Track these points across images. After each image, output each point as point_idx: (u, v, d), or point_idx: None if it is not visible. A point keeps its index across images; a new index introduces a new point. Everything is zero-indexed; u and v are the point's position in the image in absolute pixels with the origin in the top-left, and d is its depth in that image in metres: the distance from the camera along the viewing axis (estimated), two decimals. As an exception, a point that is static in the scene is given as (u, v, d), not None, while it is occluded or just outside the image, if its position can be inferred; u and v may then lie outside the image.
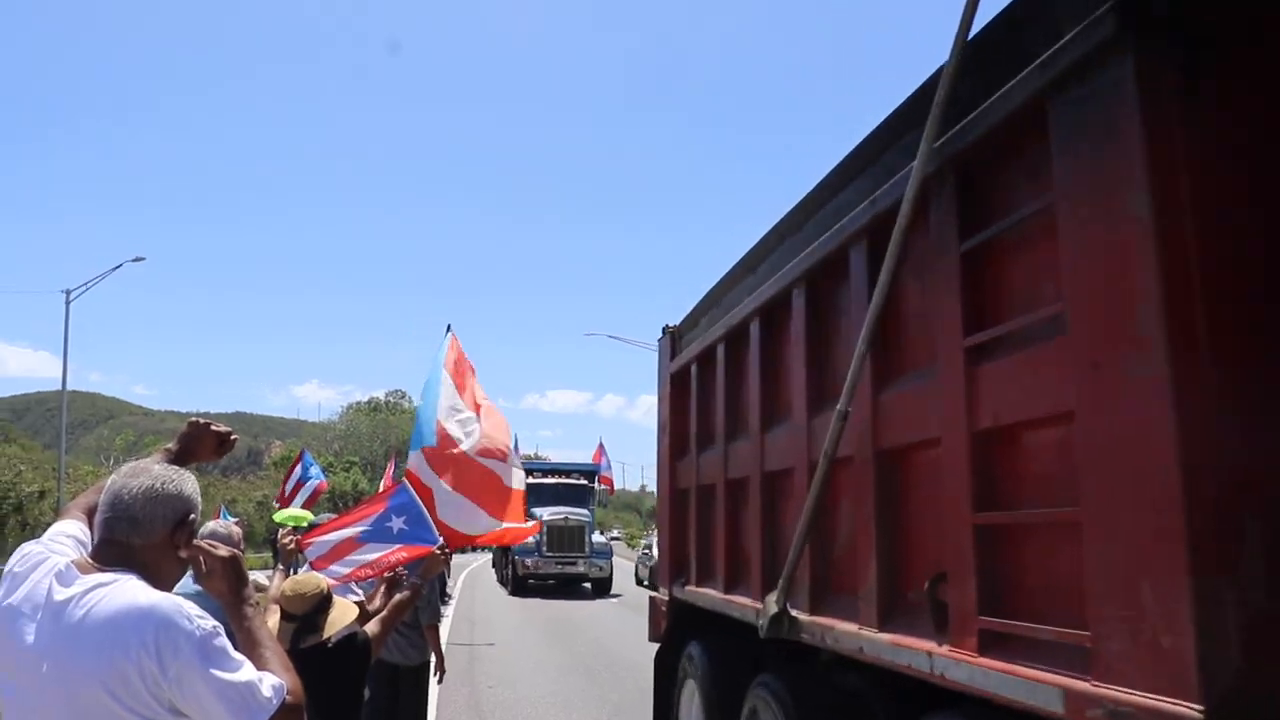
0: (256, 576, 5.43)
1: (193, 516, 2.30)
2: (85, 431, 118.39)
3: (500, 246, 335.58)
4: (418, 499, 5.29)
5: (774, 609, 4.20)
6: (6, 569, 2.23)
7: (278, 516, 14.17)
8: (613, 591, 28.62)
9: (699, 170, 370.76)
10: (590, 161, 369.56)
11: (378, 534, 5.06)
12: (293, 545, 5.02)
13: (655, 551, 28.61)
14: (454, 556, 30.07)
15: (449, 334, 7.52)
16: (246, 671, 2.10)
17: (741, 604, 5.26)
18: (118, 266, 38.74)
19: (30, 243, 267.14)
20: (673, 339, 7.74)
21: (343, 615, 3.99)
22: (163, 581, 2.22)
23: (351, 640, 4.03)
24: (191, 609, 2.09)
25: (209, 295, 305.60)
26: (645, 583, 29.89)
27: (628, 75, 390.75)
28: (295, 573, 4.87)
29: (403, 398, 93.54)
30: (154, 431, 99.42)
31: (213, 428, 2.87)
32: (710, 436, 6.43)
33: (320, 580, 4.08)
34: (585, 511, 29.49)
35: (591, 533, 28.88)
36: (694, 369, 6.89)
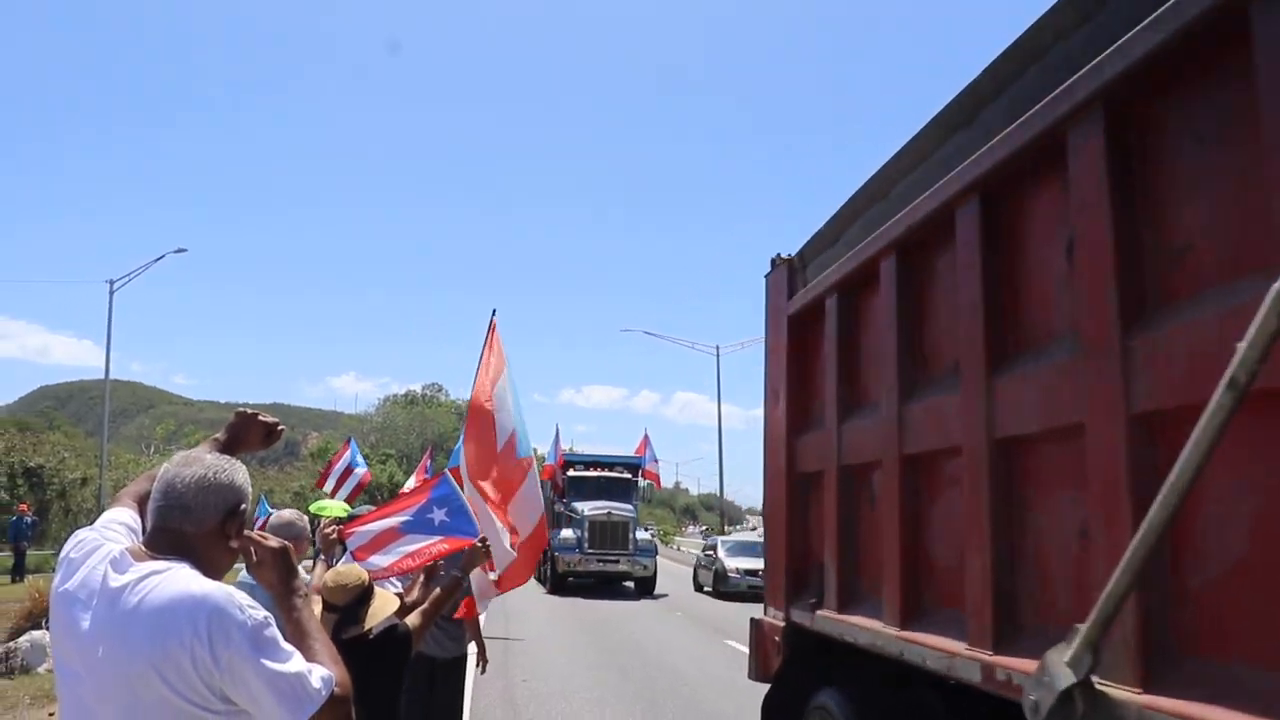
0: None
1: (243, 506, 2.30)
2: (126, 420, 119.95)
3: (538, 245, 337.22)
4: (460, 491, 5.28)
5: (1065, 678, 2.25)
6: (62, 555, 2.24)
7: (314, 507, 14.26)
8: (656, 592, 27.36)
9: (739, 173, 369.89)
10: (629, 162, 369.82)
11: (419, 525, 5.05)
12: (334, 535, 5.03)
13: (721, 556, 27.90)
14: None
15: (493, 319, 7.56)
16: (296, 663, 2.09)
17: (953, 653, 3.48)
18: (160, 258, 39.26)
19: (76, 235, 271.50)
20: (790, 271, 5.84)
21: (384, 607, 3.98)
22: (214, 570, 2.22)
23: (392, 632, 4.02)
24: (243, 598, 2.08)
25: (248, 288, 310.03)
26: (707, 589, 28.36)
27: (668, 72, 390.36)
28: (335, 563, 4.88)
29: (439, 391, 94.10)
30: (193, 421, 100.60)
31: (260, 418, 2.88)
32: (863, 397, 4.70)
33: (362, 572, 4.08)
34: (629, 506, 28.10)
35: (635, 529, 27.43)
36: (833, 305, 4.99)
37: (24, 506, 31.21)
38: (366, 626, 3.92)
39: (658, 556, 28.48)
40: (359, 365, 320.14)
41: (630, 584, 27.88)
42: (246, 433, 2.84)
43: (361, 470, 19.68)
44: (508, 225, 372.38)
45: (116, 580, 2.09)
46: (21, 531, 28.22)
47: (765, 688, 5.73)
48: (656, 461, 34.03)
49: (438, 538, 4.99)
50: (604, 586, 27.32)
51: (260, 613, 2.08)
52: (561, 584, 26.62)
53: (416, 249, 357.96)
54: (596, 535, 26.39)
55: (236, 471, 2.32)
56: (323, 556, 4.99)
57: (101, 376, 43.35)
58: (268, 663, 2.04)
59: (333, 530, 5.05)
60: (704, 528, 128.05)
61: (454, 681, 7.19)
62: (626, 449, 34.31)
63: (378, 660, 3.97)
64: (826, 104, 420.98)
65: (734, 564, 26.98)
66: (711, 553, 29.44)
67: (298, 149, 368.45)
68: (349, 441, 21.37)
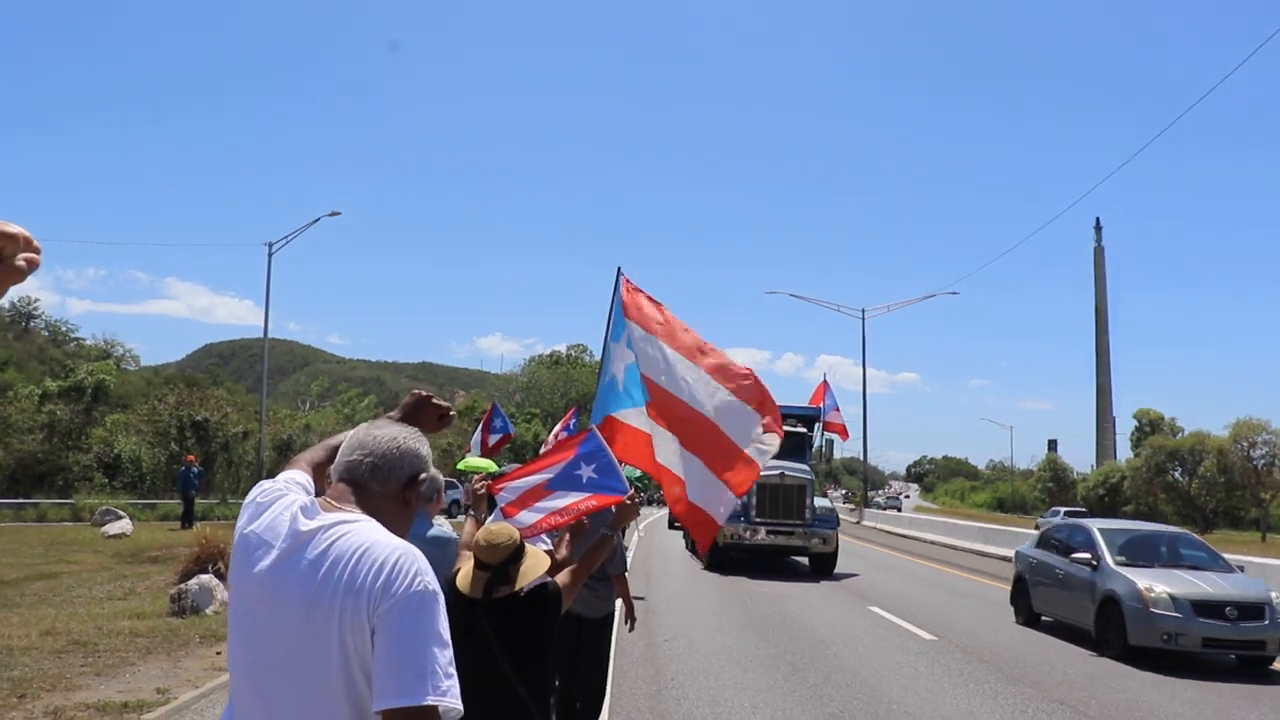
0: (441, 523, 5.47)
1: (424, 476, 2.36)
2: (283, 377, 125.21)
3: (681, 211, 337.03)
4: (607, 447, 5.17)
5: None
6: (249, 500, 2.32)
7: (461, 465, 14.53)
8: (838, 571, 22.80)
9: (885, 146, 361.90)
10: (780, 136, 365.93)
11: (566, 481, 4.97)
12: (483, 490, 5.01)
13: (1113, 566, 13.07)
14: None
15: (620, 278, 7.43)
16: (441, 654, 2.02)
17: None
18: (315, 221, 40.80)
19: (239, 201, 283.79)
20: None
21: (535, 566, 3.93)
22: (393, 530, 2.23)
23: (543, 591, 3.97)
24: (425, 565, 2.09)
25: (400, 251, 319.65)
26: (1049, 618, 15.24)
27: (830, 53, 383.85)
28: (485, 520, 4.86)
29: (584, 352, 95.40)
30: (345, 379, 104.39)
31: (435, 400, 2.89)
32: None
33: (513, 530, 4.02)
34: (804, 467, 23.23)
35: (813, 494, 22.79)
36: None
37: (191, 457, 32.90)
38: (518, 585, 3.87)
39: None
40: (505, 326, 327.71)
41: (805, 560, 23.33)
42: (420, 414, 2.85)
43: (498, 435, 19.80)
44: (647, 193, 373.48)
45: (307, 525, 2.15)
46: (190, 481, 29.77)
47: (910, 659, 5.51)
48: (838, 410, 29.02)
49: (586, 494, 4.91)
50: (771, 563, 23.53)
51: (434, 584, 2.07)
52: (722, 558, 22.35)
53: (564, 216, 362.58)
54: (766, 501, 21.93)
55: (423, 443, 2.40)
56: (472, 512, 4.97)
57: (261, 335, 45.35)
58: (411, 630, 2.00)
59: (482, 486, 5.03)
60: (844, 491, 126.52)
61: (601, 639, 7.19)
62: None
63: (529, 619, 3.93)
64: (990, 82, 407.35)
65: (1166, 588, 12.49)
66: (1080, 555, 13.98)
67: (455, 122, 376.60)
68: (494, 406, 21.46)
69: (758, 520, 21.87)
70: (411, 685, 1.96)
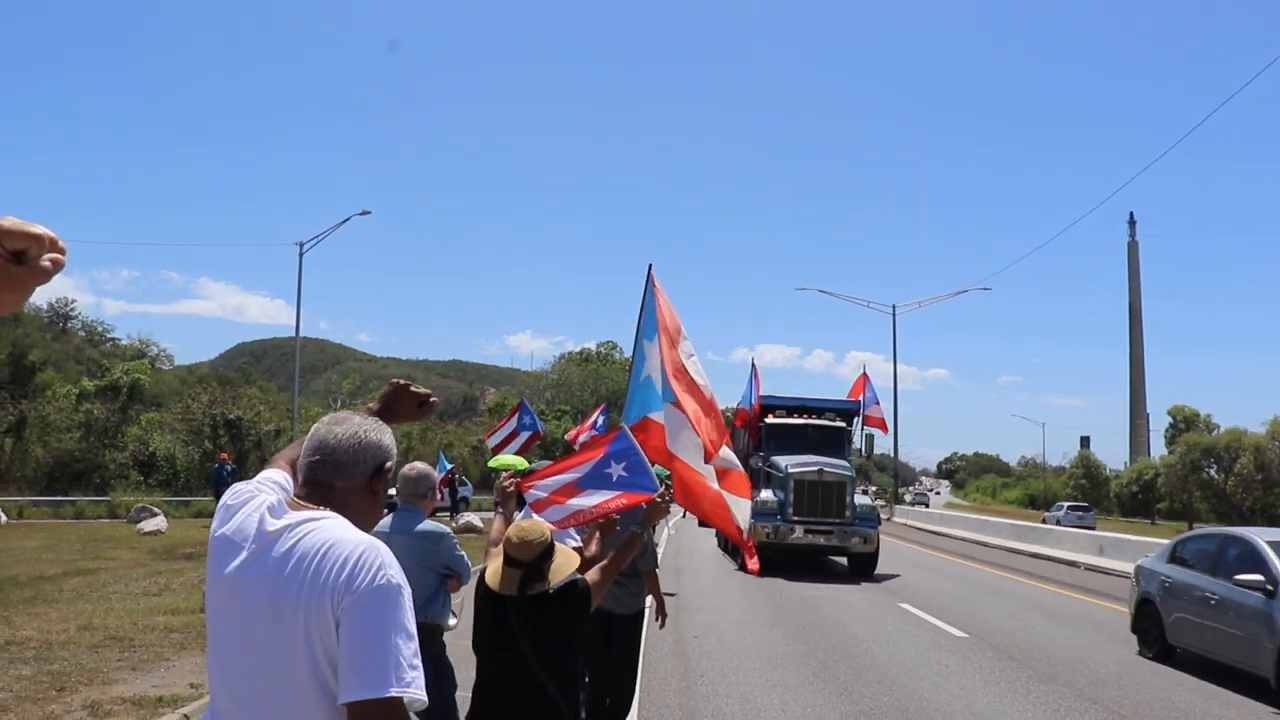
0: (471, 518, 5.50)
1: (389, 465, 2.39)
2: (315, 375, 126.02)
3: (714, 208, 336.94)
4: (637, 445, 5.18)
5: None
6: (221, 504, 2.36)
7: (493, 463, 14.55)
8: (879, 572, 21.81)
9: (917, 147, 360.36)
10: (812, 137, 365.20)
11: (596, 480, 4.98)
12: (512, 489, 5.02)
13: None
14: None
15: (650, 274, 7.47)
16: (405, 646, 2.04)
17: None
18: (345, 220, 40.95)
19: (270, 202, 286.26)
20: None
21: (566, 563, 3.93)
22: (362, 523, 2.28)
23: (573, 588, 3.97)
24: (390, 559, 2.12)
25: (429, 250, 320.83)
26: (1182, 648, 12.08)
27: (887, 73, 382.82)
28: (512, 518, 4.88)
29: (614, 349, 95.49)
30: (376, 376, 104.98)
31: (412, 388, 2.93)
32: None
33: (544, 527, 4.03)
34: (844, 463, 22.27)
35: (854, 491, 21.74)
36: None
37: (224, 455, 33.20)
38: (550, 583, 3.88)
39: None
40: (535, 324, 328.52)
41: (843, 560, 22.46)
42: (398, 402, 2.90)
43: (528, 432, 19.59)
44: (684, 192, 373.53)
45: (273, 525, 2.19)
46: (223, 479, 30.01)
47: (941, 656, 5.45)
48: (878, 404, 28.22)
49: (616, 492, 4.92)
50: (809, 563, 22.45)
51: (398, 578, 2.10)
52: (758, 559, 21.34)
53: (595, 215, 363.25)
54: (804, 499, 21.02)
55: (384, 432, 2.41)
56: (501, 510, 4.99)
57: (292, 334, 45.51)
58: (374, 624, 2.02)
59: (511, 483, 5.04)
60: (874, 489, 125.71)
61: (631, 636, 7.19)
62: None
63: (559, 616, 3.93)
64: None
65: None
66: (1247, 577, 10.42)
67: (488, 123, 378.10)
68: (521, 403, 21.22)
69: (795, 519, 20.89)
70: (376, 678, 1.99)
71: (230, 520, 2.27)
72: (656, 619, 7.58)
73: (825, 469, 21.18)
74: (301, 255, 41.43)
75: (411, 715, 2.04)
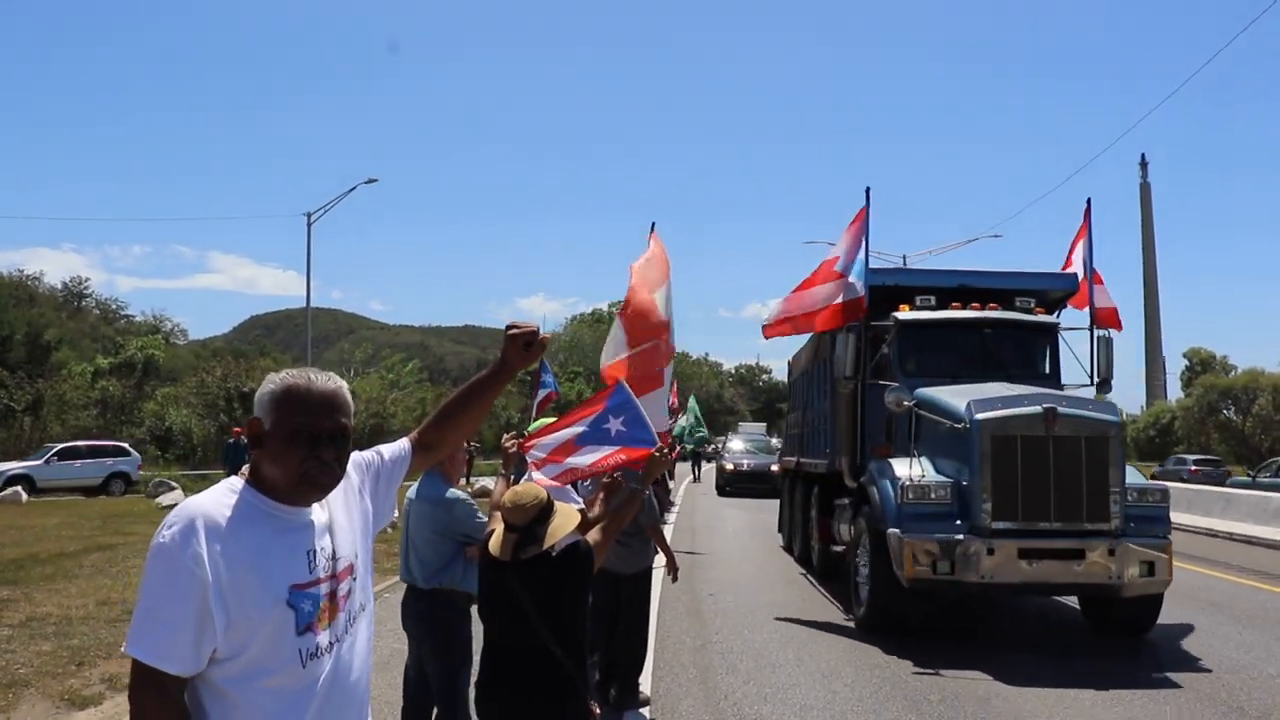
0: (485, 482, 5.48)
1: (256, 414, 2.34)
2: (328, 345, 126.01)
3: (721, 163, 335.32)
4: (635, 399, 5.10)
5: None
6: None
7: (531, 427, 14.38)
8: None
9: (922, 92, 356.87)
10: (816, 85, 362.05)
11: (595, 436, 4.90)
12: (514, 448, 4.98)
13: None
14: (675, 465, 29.20)
15: (653, 232, 7.48)
16: (140, 606, 2.14)
17: None
18: (352, 189, 40.72)
19: (279, 174, 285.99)
20: None
21: (565, 524, 3.88)
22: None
23: (574, 550, 3.93)
24: (178, 518, 2.22)
25: (438, 216, 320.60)
26: None
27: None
28: (515, 480, 4.85)
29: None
30: (390, 345, 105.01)
31: (511, 333, 2.85)
32: None
33: (539, 490, 3.98)
34: (1092, 399, 11.06)
35: (1122, 460, 9.64)
36: None
37: (238, 430, 33.27)
38: (547, 545, 3.84)
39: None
40: (547, 287, 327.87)
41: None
42: (510, 351, 2.84)
43: (544, 391, 19.64)
44: (691, 147, 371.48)
45: None
46: (238, 454, 30.10)
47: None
48: (1101, 280, 13.06)
49: (615, 448, 4.85)
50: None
51: (165, 537, 2.16)
52: (910, 609, 10.12)
53: (603, 174, 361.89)
54: (1018, 479, 9.36)
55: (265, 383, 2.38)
56: (503, 471, 4.95)
57: (304, 305, 45.49)
58: (142, 583, 2.16)
59: (512, 444, 4.99)
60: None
61: (639, 595, 7.18)
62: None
63: (561, 578, 3.90)
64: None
65: None
66: None
67: (493, 83, 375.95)
68: (542, 364, 21.04)
69: (1001, 525, 9.33)
70: (130, 634, 2.12)
71: None
72: (669, 574, 7.57)
73: (1060, 410, 9.53)
74: (310, 226, 41.34)
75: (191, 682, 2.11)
